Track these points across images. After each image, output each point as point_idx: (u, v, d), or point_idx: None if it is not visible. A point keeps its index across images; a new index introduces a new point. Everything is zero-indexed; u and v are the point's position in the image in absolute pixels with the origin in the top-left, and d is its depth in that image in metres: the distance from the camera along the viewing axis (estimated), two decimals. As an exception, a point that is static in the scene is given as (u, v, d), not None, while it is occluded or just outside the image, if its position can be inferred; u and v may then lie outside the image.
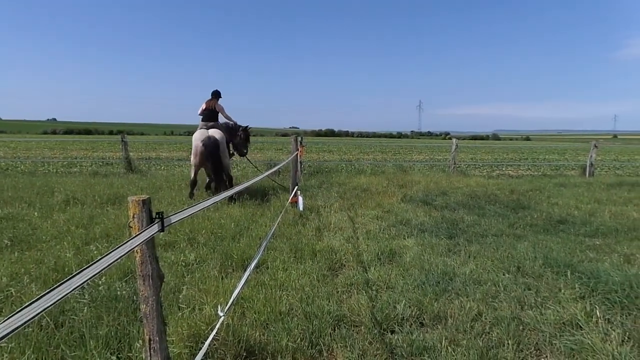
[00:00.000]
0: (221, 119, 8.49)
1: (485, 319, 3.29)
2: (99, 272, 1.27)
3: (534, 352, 2.91)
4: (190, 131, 10.02)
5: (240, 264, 4.33)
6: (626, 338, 2.96)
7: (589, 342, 2.88)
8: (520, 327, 3.17)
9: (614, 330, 3.03)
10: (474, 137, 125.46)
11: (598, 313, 3.27)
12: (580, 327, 3.14)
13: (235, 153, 9.05)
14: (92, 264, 1.27)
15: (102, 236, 5.08)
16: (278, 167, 7.13)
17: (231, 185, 8.10)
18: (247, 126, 9.06)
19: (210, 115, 8.30)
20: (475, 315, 3.33)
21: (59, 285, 1.18)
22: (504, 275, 4.19)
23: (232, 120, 8.77)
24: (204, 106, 8.31)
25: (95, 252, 4.46)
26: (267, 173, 5.19)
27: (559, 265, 4.35)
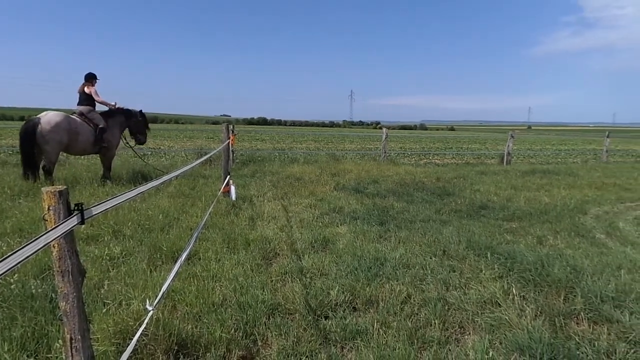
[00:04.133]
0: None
1: (414, 300, 3.43)
2: (9, 269, 1.16)
3: (459, 329, 3.09)
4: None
5: (170, 256, 4.17)
6: (539, 313, 3.23)
7: (507, 318, 3.10)
8: (446, 307, 3.35)
9: (528, 306, 3.29)
10: (403, 127, 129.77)
11: (514, 291, 3.53)
12: (499, 304, 3.37)
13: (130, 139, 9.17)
14: (2, 260, 1.15)
15: (15, 231, 4.67)
16: (208, 155, 6.95)
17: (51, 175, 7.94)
18: (140, 110, 9.09)
19: (80, 99, 8.24)
20: (405, 297, 3.47)
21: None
22: (431, 258, 4.39)
23: (109, 105, 8.63)
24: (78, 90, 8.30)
25: (5, 248, 4.09)
26: (197, 162, 5.03)
27: (481, 248, 4.64)
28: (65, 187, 1.54)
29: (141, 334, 2.20)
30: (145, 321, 2.23)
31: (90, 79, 8.23)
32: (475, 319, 3.17)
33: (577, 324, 3.15)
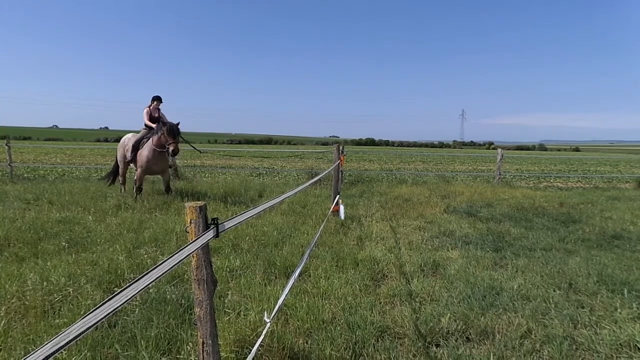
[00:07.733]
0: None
1: (535, 336, 3.17)
2: (163, 273, 1.33)
3: (589, 373, 2.79)
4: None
5: (282, 271, 4.37)
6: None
7: (650, 366, 2.73)
8: (574, 347, 3.05)
9: (677, 354, 2.86)
10: (519, 148, 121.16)
11: (659, 335, 3.09)
12: (639, 348, 2.97)
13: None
14: (159, 265, 1.33)
15: (151, 240, 5.26)
16: (320, 176, 7.17)
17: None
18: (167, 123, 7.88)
19: None
20: (525, 332, 3.22)
21: (136, 281, 1.24)
22: (554, 291, 4.03)
23: (148, 124, 8.39)
24: None
25: (145, 255, 4.62)
26: (310, 182, 5.22)
27: (615, 283, 4.15)
28: (204, 203, 1.72)
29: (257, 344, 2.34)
30: (264, 332, 2.36)
31: (152, 100, 8.42)
32: (610, 363, 2.84)
33: None
